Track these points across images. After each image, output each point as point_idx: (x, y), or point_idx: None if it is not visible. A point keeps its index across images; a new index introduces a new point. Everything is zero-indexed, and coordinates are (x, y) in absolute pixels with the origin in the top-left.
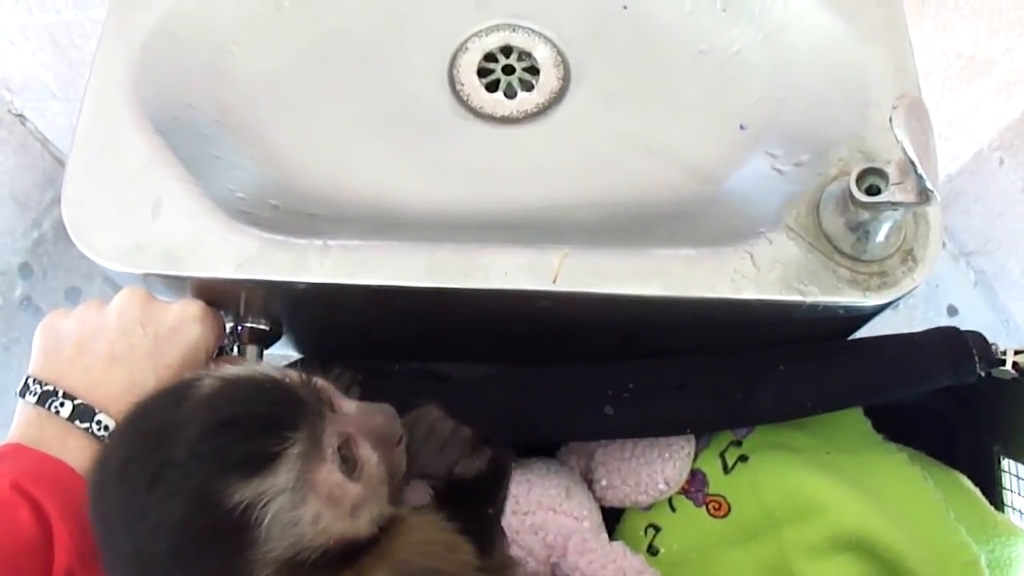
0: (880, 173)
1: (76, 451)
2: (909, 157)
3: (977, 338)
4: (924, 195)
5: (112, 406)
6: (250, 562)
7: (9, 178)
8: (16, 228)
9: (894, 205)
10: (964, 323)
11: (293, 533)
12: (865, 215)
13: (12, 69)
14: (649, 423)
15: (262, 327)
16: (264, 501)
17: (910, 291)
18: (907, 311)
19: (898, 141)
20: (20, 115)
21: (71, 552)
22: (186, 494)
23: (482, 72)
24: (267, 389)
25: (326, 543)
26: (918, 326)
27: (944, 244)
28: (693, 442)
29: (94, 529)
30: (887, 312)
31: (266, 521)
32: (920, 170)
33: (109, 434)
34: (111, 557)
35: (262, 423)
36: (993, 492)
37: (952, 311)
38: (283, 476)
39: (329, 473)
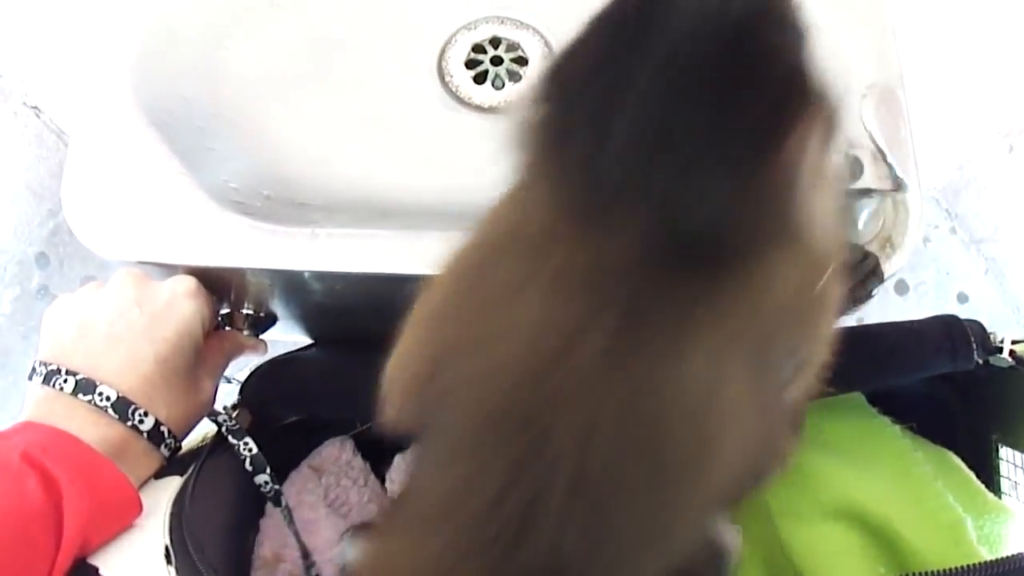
0: (855, 160)
1: (82, 423)
2: (877, 145)
3: (975, 326)
4: (896, 182)
5: (113, 380)
6: None
7: (24, 169)
8: (32, 219)
9: (868, 192)
10: (974, 311)
11: None
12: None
13: (27, 61)
14: None
15: (256, 313)
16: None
17: (887, 278)
18: (917, 298)
19: (866, 130)
20: (35, 107)
21: (82, 512)
22: None
23: (470, 64)
24: None
25: None
26: (928, 313)
27: (955, 231)
28: None
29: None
30: (898, 300)
31: None
32: (889, 158)
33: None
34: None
35: None
36: (991, 480)
37: (962, 298)
38: None
39: None
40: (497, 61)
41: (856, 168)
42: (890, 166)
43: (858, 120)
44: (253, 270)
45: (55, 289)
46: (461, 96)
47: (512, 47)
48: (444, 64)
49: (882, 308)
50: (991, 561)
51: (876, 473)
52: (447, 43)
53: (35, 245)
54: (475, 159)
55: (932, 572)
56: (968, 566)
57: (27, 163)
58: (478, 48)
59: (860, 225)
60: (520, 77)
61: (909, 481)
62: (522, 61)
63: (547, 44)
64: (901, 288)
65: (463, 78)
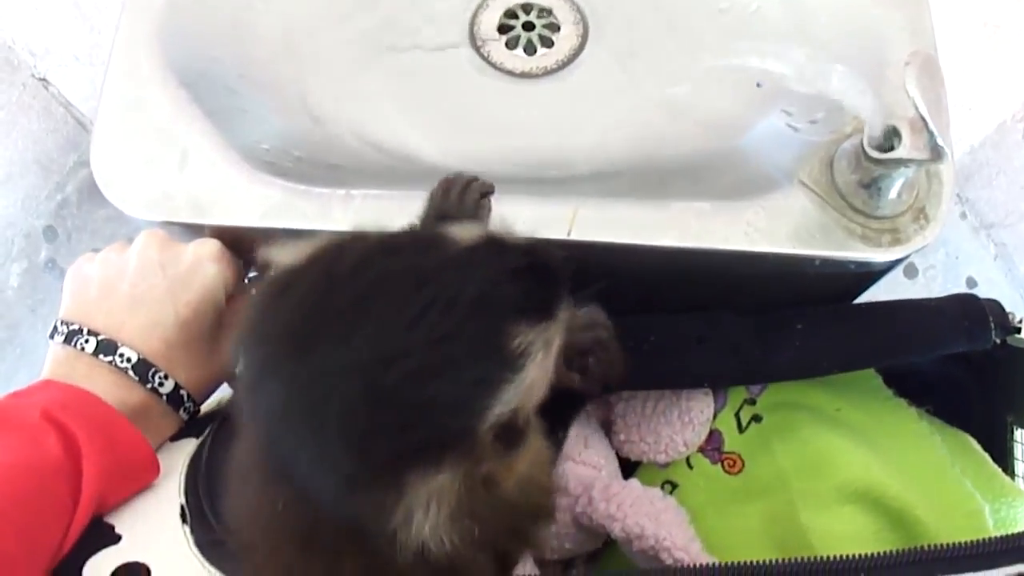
0: (892, 130)
1: (103, 384)
2: (920, 113)
3: (993, 305)
4: (935, 152)
5: (134, 342)
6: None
7: (32, 142)
8: (40, 192)
9: (906, 162)
10: (983, 295)
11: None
12: (877, 171)
13: (35, 33)
14: (668, 374)
15: None
16: (534, 348)
17: (919, 248)
18: (926, 282)
19: (909, 97)
20: (43, 79)
21: (101, 470)
22: (466, 334)
23: (503, 29)
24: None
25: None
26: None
27: (965, 216)
28: (712, 407)
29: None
30: (906, 283)
31: (528, 369)
32: (931, 126)
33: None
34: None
35: (549, 276)
36: (1006, 462)
37: (971, 283)
38: (555, 328)
39: (560, 340)
40: (529, 26)
41: (894, 138)
42: (932, 134)
43: (902, 89)
44: (286, 231)
45: (63, 262)
46: (493, 61)
47: (544, 12)
48: (476, 29)
49: (890, 291)
50: (1005, 536)
51: (895, 457)
52: (479, 8)
53: (43, 218)
54: (507, 123)
55: (946, 545)
56: (980, 540)
57: (35, 136)
58: (510, 13)
59: (894, 195)
60: (552, 43)
61: (928, 466)
62: (554, 27)
63: (578, 9)
64: (910, 271)
65: (495, 43)
